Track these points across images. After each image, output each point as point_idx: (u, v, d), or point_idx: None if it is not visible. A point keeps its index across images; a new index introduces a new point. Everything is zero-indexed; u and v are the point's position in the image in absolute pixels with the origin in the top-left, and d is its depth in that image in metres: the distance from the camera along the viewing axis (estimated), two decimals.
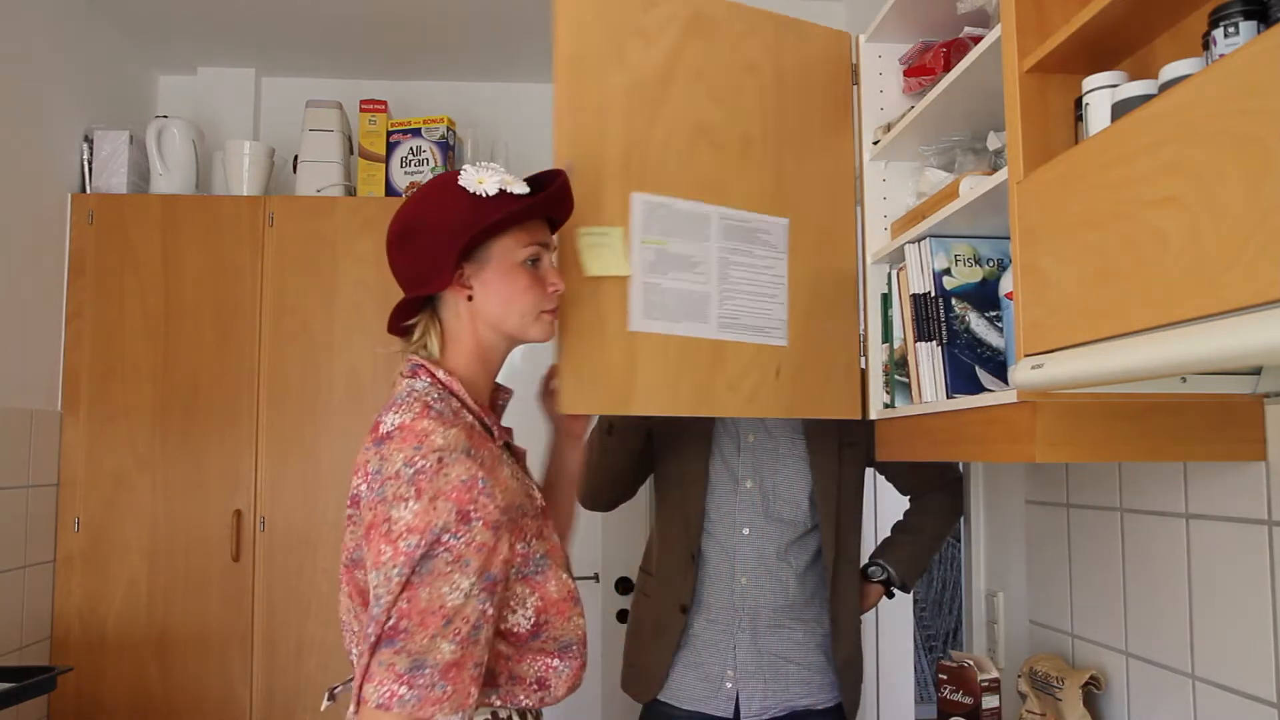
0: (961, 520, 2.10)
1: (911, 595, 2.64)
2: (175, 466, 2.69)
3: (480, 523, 1.11)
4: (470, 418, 1.23)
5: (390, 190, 2.88)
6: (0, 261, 2.44)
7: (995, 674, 1.65)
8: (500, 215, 1.22)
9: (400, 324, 1.31)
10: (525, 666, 1.22)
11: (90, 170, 2.80)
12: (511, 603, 1.20)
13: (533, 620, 1.21)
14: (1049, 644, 1.69)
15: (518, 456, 1.35)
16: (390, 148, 2.88)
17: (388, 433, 1.15)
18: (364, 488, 1.14)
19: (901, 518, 2.00)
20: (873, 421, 1.70)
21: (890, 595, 1.98)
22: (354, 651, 1.22)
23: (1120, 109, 1.03)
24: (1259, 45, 0.75)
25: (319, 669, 2.65)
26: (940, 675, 1.69)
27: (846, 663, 1.87)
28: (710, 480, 1.83)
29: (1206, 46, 0.93)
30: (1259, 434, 1.20)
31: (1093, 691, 1.51)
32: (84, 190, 2.80)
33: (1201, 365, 0.80)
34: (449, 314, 1.28)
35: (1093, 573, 1.56)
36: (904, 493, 2.01)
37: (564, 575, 1.25)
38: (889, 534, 1.99)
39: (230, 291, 2.75)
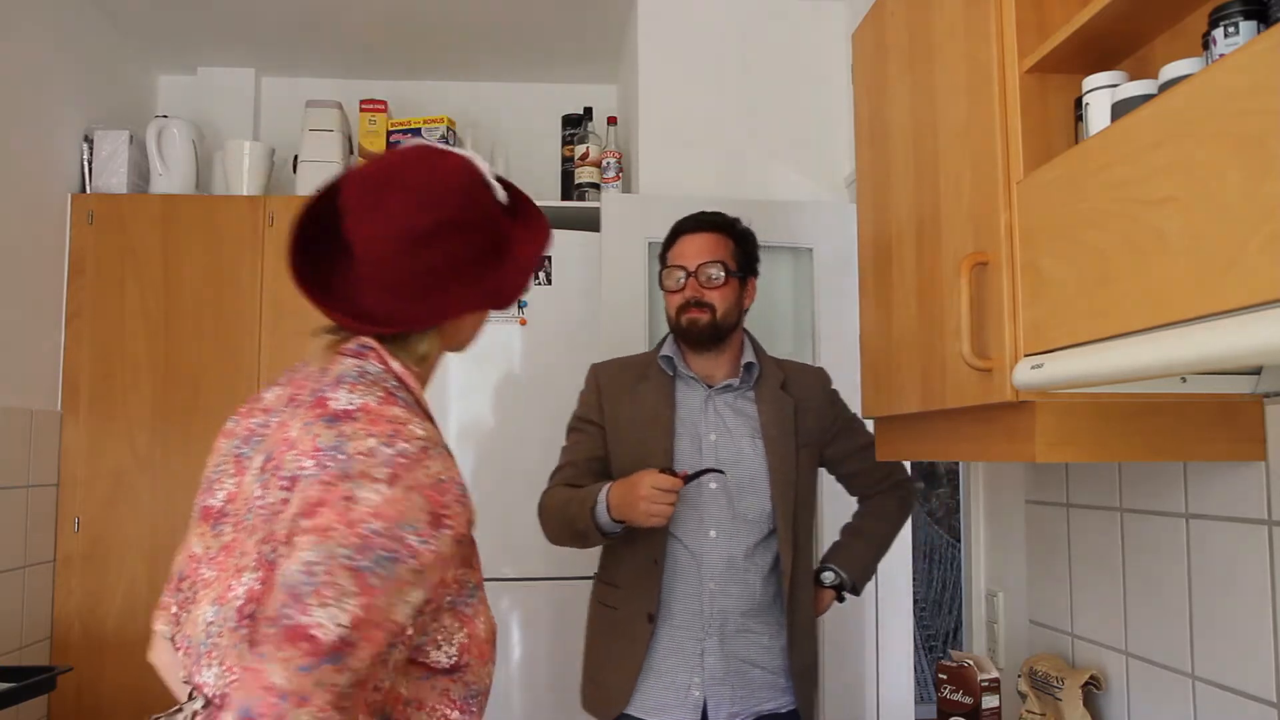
0: (961, 520, 2.09)
1: (911, 595, 2.63)
2: (175, 466, 2.68)
3: (449, 532, 0.94)
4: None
5: None
6: (0, 261, 2.45)
7: (995, 674, 1.65)
8: (537, 254, 1.12)
9: (319, 289, 1.13)
10: (423, 717, 1.00)
11: (90, 170, 2.80)
12: (438, 636, 1.00)
13: (455, 659, 1.01)
14: (1049, 644, 1.69)
15: None
16: (390, 148, 2.89)
17: (345, 411, 0.97)
18: (309, 464, 0.94)
19: (851, 520, 1.97)
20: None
21: (841, 599, 1.95)
22: (211, 670, 0.99)
23: (1120, 109, 1.03)
24: (1259, 45, 0.75)
25: None
26: (940, 675, 1.69)
27: (804, 668, 1.82)
28: None
29: (1206, 46, 0.93)
30: (1259, 434, 1.20)
31: (1093, 691, 1.51)
32: (84, 190, 2.80)
33: (1201, 365, 0.80)
34: None
35: (1093, 573, 1.56)
36: (853, 493, 1.99)
37: (490, 613, 1.08)
38: (838, 537, 1.97)
39: (230, 291, 2.74)
